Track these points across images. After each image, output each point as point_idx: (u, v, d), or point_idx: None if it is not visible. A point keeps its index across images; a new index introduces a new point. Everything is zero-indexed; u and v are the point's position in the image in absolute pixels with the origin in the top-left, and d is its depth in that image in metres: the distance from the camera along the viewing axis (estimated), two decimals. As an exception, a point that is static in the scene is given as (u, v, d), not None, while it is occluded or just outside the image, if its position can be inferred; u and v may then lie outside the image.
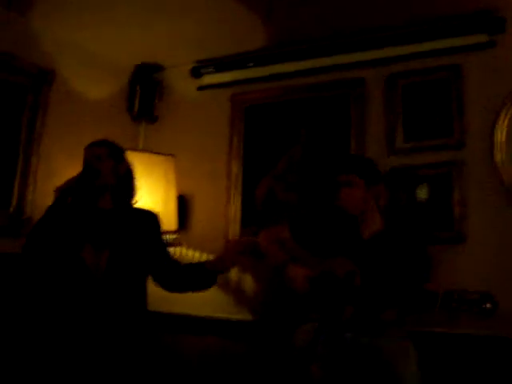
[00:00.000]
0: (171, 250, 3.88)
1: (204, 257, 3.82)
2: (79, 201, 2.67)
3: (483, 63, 3.26)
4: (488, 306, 2.15)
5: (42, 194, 3.52)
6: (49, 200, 3.58)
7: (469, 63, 3.29)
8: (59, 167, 3.66)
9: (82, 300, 2.53)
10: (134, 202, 2.84)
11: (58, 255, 2.56)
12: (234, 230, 3.80)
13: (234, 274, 3.73)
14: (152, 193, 3.47)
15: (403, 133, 3.38)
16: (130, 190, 2.84)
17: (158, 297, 2.96)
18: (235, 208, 3.83)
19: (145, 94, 4.18)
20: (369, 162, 2.81)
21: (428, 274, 2.57)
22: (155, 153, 3.64)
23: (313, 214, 3.11)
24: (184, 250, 3.87)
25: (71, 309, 2.53)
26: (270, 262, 2.78)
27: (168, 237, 3.50)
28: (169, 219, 3.54)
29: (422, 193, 3.29)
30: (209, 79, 4.11)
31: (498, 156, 3.13)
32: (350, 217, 2.73)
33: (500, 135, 3.14)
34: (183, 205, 3.89)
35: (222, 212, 3.86)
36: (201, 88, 4.14)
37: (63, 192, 2.61)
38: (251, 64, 3.94)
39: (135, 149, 4.02)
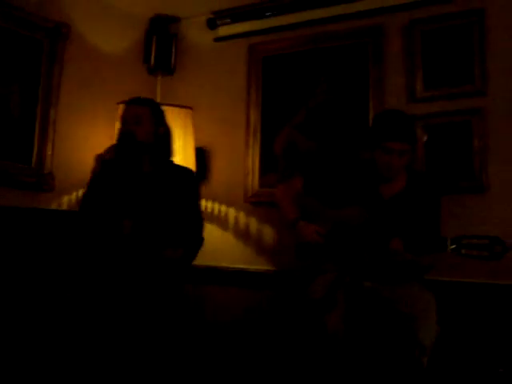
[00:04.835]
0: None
1: (223, 208, 3.85)
2: (121, 167, 2.71)
3: (507, 7, 3.15)
4: (497, 248, 2.17)
5: (62, 149, 3.55)
6: (68, 154, 3.63)
7: (493, 7, 3.18)
8: (78, 121, 3.67)
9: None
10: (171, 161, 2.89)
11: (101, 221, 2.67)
12: (253, 180, 3.80)
13: (253, 225, 3.76)
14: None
15: (423, 81, 3.32)
16: (168, 151, 2.86)
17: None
18: (253, 159, 3.83)
19: (161, 46, 4.14)
20: (412, 124, 2.70)
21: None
22: (172, 105, 3.62)
23: (332, 167, 3.03)
24: (203, 202, 3.90)
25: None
26: (282, 219, 2.81)
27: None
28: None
29: (442, 141, 3.24)
30: (225, 30, 4.05)
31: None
32: (375, 177, 2.70)
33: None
34: (202, 157, 3.89)
35: (240, 163, 3.86)
36: (217, 39, 4.09)
37: (103, 162, 2.65)
38: (268, 13, 3.86)
39: (153, 102, 4.01)
